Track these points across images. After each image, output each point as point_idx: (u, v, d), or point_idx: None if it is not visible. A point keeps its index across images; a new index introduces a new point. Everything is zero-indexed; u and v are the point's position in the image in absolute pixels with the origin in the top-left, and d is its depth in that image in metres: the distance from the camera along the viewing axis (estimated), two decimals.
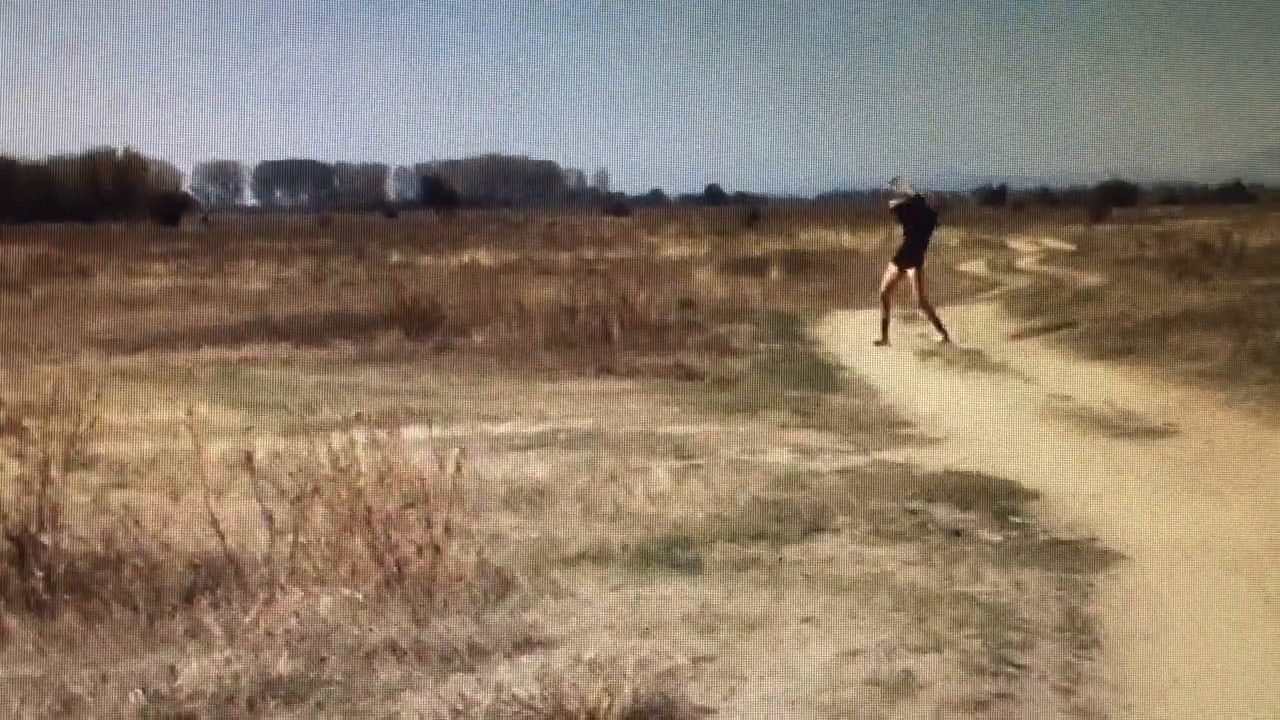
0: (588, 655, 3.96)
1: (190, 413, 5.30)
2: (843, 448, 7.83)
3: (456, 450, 4.73)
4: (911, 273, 13.97)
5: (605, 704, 3.51)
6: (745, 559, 5.18)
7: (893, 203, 14.09)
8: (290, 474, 4.67)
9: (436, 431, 5.16)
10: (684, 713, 3.62)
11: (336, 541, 4.54)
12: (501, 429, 8.45)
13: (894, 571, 5.01)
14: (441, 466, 4.66)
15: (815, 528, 5.70)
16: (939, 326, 13.86)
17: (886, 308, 14.00)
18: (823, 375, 11.85)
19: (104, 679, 3.77)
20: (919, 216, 14.03)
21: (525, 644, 4.12)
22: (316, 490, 4.56)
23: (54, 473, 4.76)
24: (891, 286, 14.04)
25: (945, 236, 36.29)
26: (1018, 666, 4.00)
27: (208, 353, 13.57)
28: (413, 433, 5.34)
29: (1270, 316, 12.74)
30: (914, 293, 14.04)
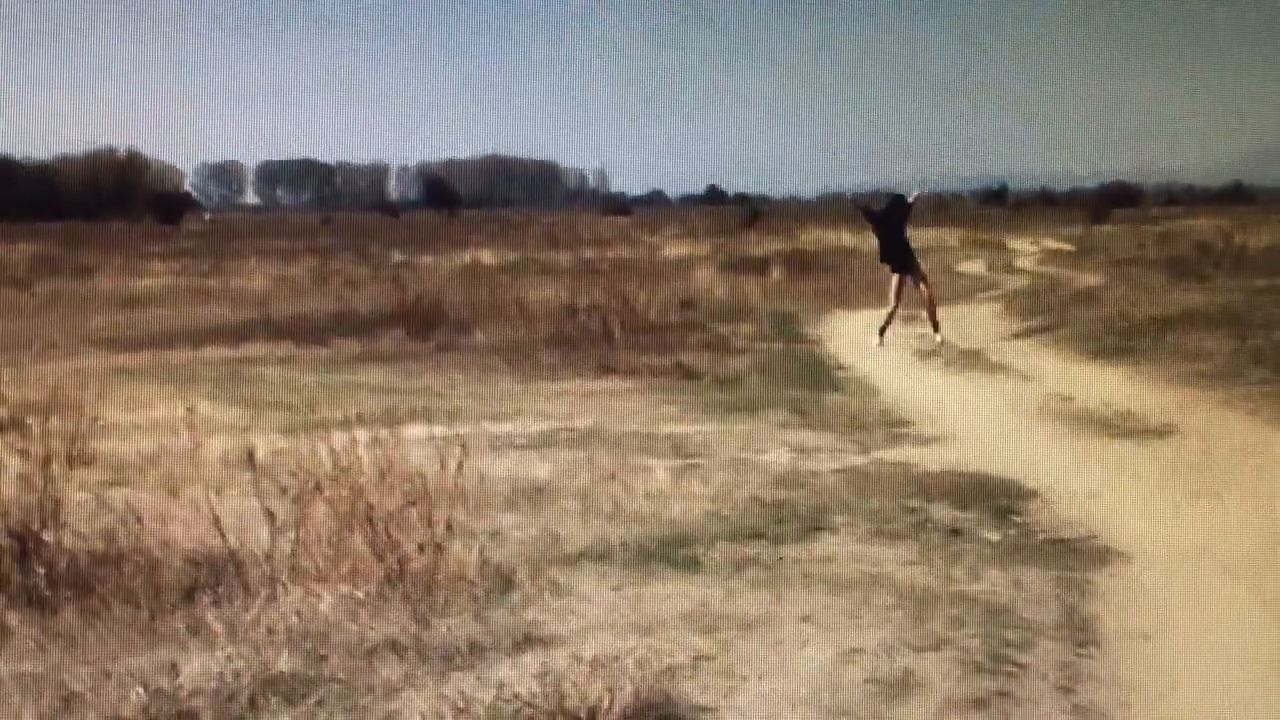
0: (588, 654, 3.97)
1: (191, 411, 5.31)
2: (842, 447, 7.84)
3: (457, 449, 4.74)
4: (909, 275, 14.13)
5: (606, 702, 3.52)
6: (744, 558, 5.18)
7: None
8: (291, 472, 4.68)
9: (438, 430, 5.18)
10: (684, 711, 3.63)
11: (337, 539, 4.55)
12: (502, 428, 8.46)
13: (893, 571, 5.02)
14: (443, 465, 4.68)
15: (814, 527, 5.71)
16: (935, 325, 13.94)
17: (893, 311, 14.08)
18: (822, 375, 11.86)
19: (105, 676, 3.78)
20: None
21: (526, 642, 4.13)
22: (318, 488, 4.57)
23: (55, 470, 4.77)
24: (899, 290, 14.11)
25: (945, 236, 36.35)
26: (1017, 665, 4.01)
27: (210, 351, 13.58)
28: (414, 431, 5.36)
29: (1270, 317, 12.75)
30: (924, 291, 14.11)
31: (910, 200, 14.75)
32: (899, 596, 4.64)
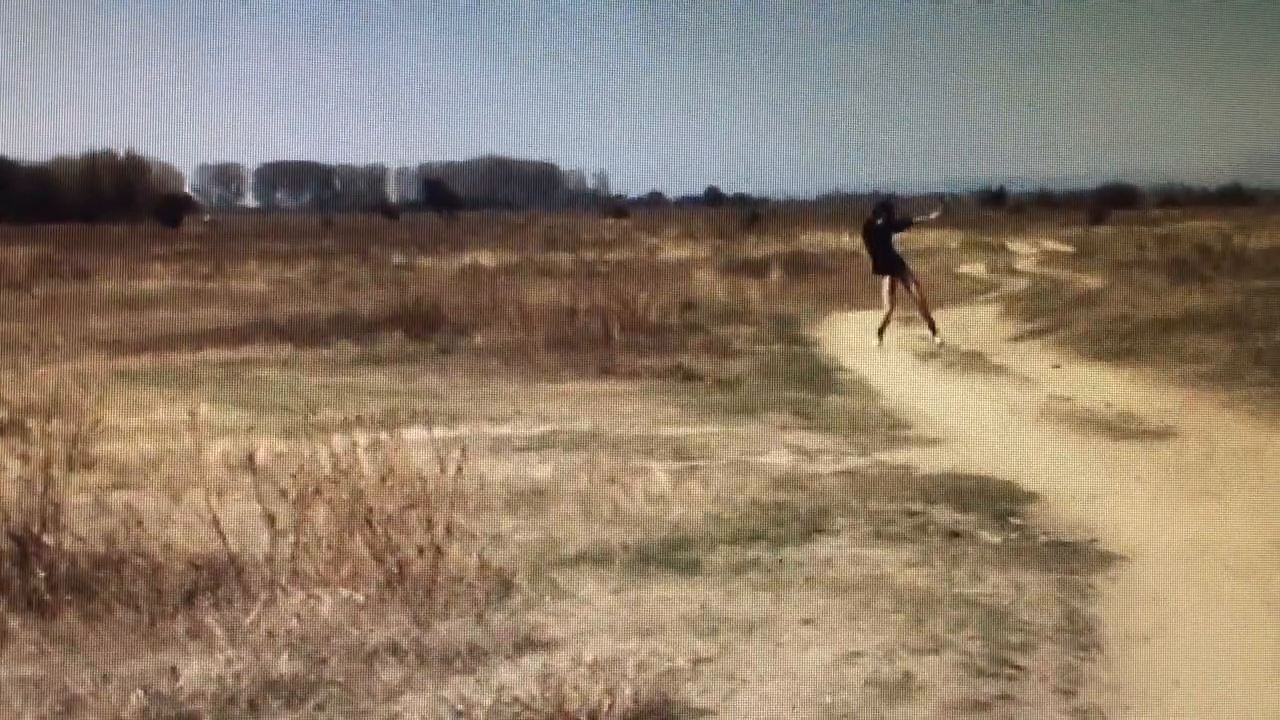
0: (588, 656, 3.97)
1: (192, 413, 5.30)
2: (842, 449, 7.84)
3: (457, 451, 4.74)
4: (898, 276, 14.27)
5: (606, 705, 3.52)
6: (745, 560, 5.18)
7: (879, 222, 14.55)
8: (292, 475, 4.67)
9: (438, 432, 5.17)
10: (684, 714, 3.63)
11: (337, 543, 4.54)
12: (502, 430, 8.46)
13: (894, 573, 5.02)
14: (443, 468, 4.67)
15: (815, 529, 5.71)
16: (931, 326, 14.00)
17: (889, 313, 14.15)
18: (822, 377, 11.87)
19: (105, 679, 3.77)
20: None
21: (526, 645, 4.13)
22: (318, 491, 4.57)
23: (56, 473, 4.77)
24: (892, 293, 14.19)
25: (945, 238, 36.34)
26: (1018, 668, 4.01)
27: (210, 354, 13.58)
28: (414, 434, 5.35)
29: (1270, 319, 12.73)
30: (915, 293, 14.21)
31: (932, 217, 15.74)
32: (899, 599, 4.64)
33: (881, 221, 14.39)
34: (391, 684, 3.80)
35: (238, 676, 3.75)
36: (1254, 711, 3.82)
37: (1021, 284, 25.33)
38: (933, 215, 16.65)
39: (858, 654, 4.06)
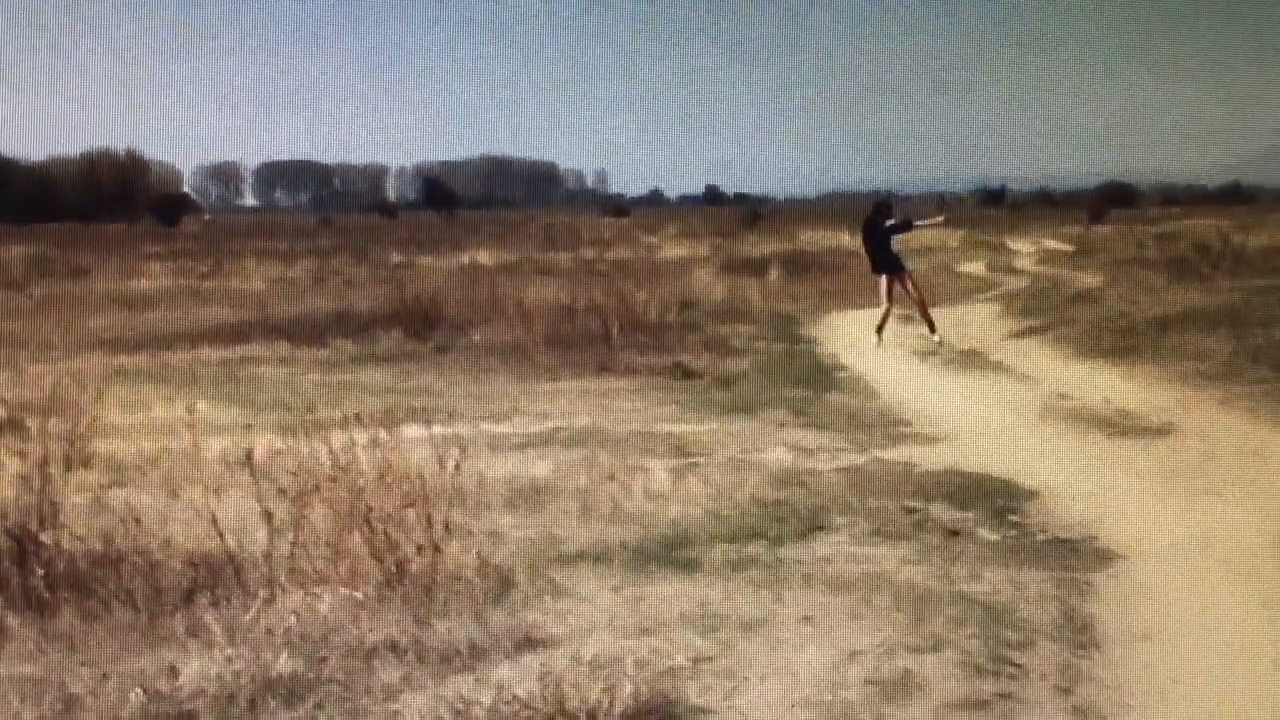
0: (588, 655, 3.96)
1: (190, 411, 5.30)
2: (841, 447, 7.84)
3: (456, 449, 4.73)
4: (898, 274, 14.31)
5: (605, 703, 3.52)
6: (744, 558, 5.18)
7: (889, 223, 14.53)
8: (290, 473, 4.67)
9: (436, 430, 5.17)
10: (684, 712, 3.63)
11: (336, 540, 4.54)
12: (501, 428, 8.46)
13: (893, 571, 5.02)
14: (441, 465, 4.67)
15: (814, 527, 5.71)
16: (930, 324, 14.02)
17: (887, 311, 14.18)
18: (821, 375, 11.86)
19: (104, 678, 3.77)
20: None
21: (525, 643, 4.12)
22: (316, 489, 4.57)
23: (54, 471, 4.76)
24: (889, 291, 14.22)
25: (944, 237, 36.34)
26: (1017, 666, 4.01)
27: (208, 352, 13.56)
28: (413, 431, 5.35)
29: (1268, 317, 12.74)
30: (912, 292, 14.24)
31: (935, 221, 16.21)
32: (898, 597, 4.63)
33: (890, 224, 14.42)
34: (391, 682, 3.79)
35: (237, 675, 3.75)
36: (1252, 710, 3.82)
37: (1021, 282, 25.31)
38: (935, 220, 16.73)
39: (857, 652, 4.06)
